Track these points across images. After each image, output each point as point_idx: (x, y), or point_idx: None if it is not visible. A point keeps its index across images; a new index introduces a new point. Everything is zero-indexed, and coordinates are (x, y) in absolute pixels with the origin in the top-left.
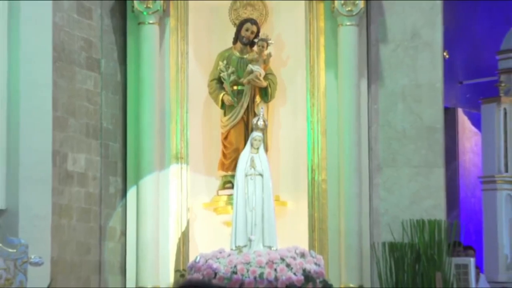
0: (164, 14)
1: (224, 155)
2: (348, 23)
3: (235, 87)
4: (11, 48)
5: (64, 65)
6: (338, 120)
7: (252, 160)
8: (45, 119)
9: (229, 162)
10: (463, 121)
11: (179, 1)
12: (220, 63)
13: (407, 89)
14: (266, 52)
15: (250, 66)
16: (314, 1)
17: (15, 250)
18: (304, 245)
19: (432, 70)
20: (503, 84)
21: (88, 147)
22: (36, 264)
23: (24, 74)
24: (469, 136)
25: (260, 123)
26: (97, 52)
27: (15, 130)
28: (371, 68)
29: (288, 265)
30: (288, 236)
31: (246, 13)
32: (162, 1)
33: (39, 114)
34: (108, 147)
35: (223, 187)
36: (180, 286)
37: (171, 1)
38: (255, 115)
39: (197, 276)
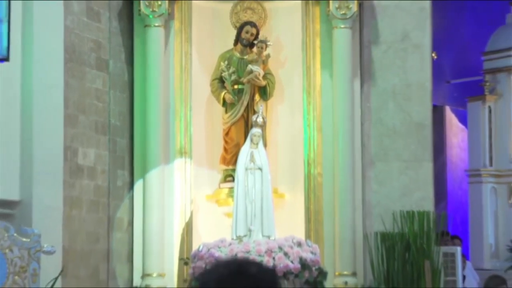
0: (169, 17)
1: (225, 150)
2: (342, 26)
3: (235, 86)
4: (25, 50)
5: (75, 66)
6: (333, 117)
7: (251, 155)
8: (57, 117)
9: (230, 156)
10: (450, 118)
11: (183, 5)
12: (222, 63)
13: (397, 88)
14: (265, 53)
15: (250, 66)
16: (310, 5)
17: (28, 240)
18: (300, 235)
19: (421, 70)
20: (488, 84)
21: (97, 142)
22: (49, 252)
23: (37, 74)
24: (456, 132)
25: (259, 120)
26: (106, 53)
27: (28, 126)
28: (363, 69)
29: (285, 254)
30: (286, 226)
31: (246, 16)
32: (167, 5)
33: (51, 111)
34: (116, 143)
35: (225, 180)
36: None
37: (175, 5)
38: (254, 112)
39: (200, 264)
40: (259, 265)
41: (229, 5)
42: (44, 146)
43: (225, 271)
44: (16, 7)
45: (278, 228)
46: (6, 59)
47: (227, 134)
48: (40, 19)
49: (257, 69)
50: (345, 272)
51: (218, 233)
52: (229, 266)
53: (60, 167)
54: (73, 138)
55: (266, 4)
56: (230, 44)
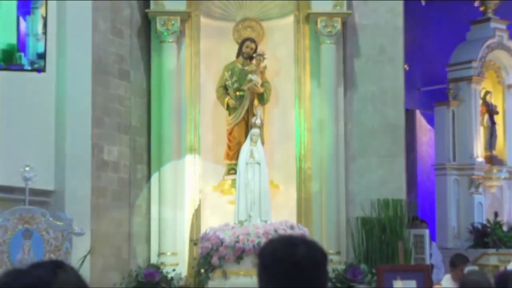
0: (180, 34)
1: (229, 147)
2: (328, 42)
3: (237, 93)
4: (59, 62)
5: (101, 76)
6: (320, 119)
7: (251, 152)
8: (86, 119)
9: (233, 153)
10: (420, 120)
11: (192, 24)
12: (226, 73)
13: (375, 95)
14: (262, 64)
15: (249, 76)
16: (301, 24)
17: (62, 223)
18: (293, 220)
19: (395, 79)
20: (451, 91)
21: (120, 141)
22: (79, 234)
23: (69, 82)
24: (425, 132)
25: (258, 121)
26: (127, 65)
27: (62, 127)
28: (346, 78)
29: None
30: (280, 212)
31: (246, 33)
32: (179, 24)
33: (81, 114)
34: (136, 141)
35: (228, 173)
36: None
37: (186, 24)
38: (253, 115)
39: (207, 244)
40: (308, 239)
41: (232, 23)
42: (75, 144)
43: (278, 244)
44: (52, 25)
45: (274, 214)
46: (43, 70)
47: (230, 133)
48: (72, 37)
49: (256, 78)
50: (331, 251)
51: (223, 218)
52: (283, 240)
53: (88, 161)
54: (99, 137)
55: (264, 23)
56: (233, 57)
